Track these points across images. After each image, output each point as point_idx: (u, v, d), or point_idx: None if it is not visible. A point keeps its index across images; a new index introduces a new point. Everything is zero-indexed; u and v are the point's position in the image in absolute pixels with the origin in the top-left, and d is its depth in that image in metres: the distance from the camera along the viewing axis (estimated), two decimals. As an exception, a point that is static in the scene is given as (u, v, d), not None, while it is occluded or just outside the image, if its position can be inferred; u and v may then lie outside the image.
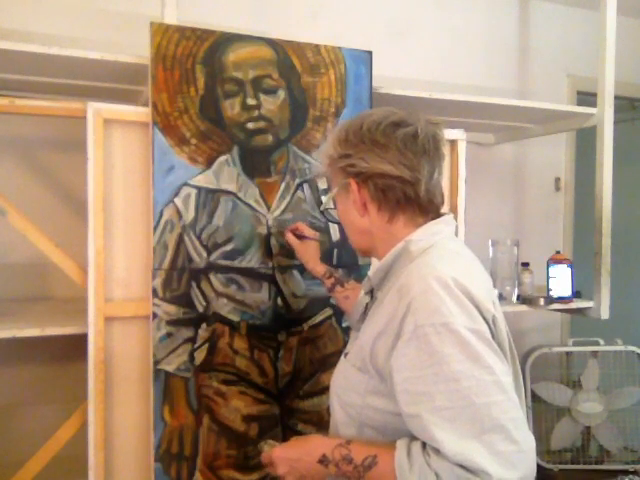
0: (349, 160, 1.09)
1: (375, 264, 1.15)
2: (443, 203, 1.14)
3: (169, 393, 1.65)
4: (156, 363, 1.63)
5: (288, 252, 1.76)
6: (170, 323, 1.65)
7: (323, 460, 1.03)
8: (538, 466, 2.94)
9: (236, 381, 1.72)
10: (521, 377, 1.10)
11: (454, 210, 2.07)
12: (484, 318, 0.97)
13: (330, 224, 1.83)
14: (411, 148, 1.06)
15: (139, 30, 1.74)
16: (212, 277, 1.69)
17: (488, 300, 1.00)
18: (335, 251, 1.84)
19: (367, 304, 1.17)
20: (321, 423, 1.80)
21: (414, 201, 1.07)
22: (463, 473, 0.88)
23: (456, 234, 1.14)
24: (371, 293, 1.17)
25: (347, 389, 1.10)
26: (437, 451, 0.91)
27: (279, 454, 1.11)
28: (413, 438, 0.97)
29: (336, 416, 1.13)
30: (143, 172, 1.67)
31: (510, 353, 1.05)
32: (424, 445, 0.94)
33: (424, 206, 1.09)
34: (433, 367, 0.92)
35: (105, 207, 1.63)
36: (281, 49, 1.77)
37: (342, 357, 1.17)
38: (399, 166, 1.05)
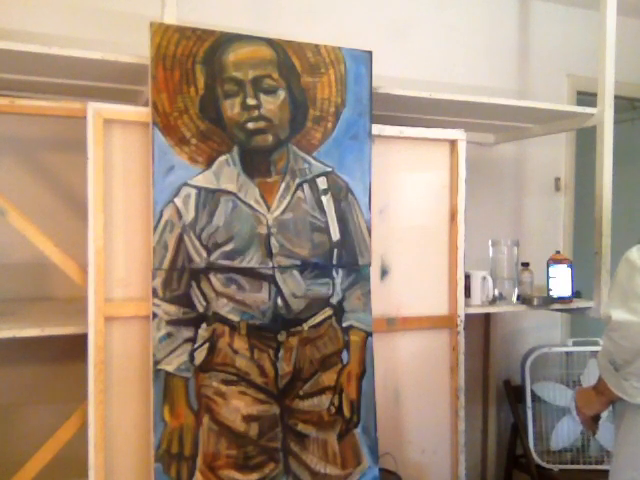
0: None
1: None
2: None
3: (169, 393, 1.65)
4: (156, 363, 1.64)
5: (288, 252, 1.76)
6: (170, 323, 1.66)
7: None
8: (538, 466, 2.93)
9: (236, 381, 1.72)
10: None
11: (454, 210, 2.07)
12: None
13: (330, 224, 1.83)
14: None
15: (139, 30, 1.74)
16: (212, 277, 1.70)
17: None
18: (335, 251, 1.84)
19: None
20: (321, 423, 1.80)
21: None
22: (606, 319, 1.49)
23: None
24: None
25: None
26: None
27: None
28: None
29: None
30: (143, 172, 1.67)
31: None
32: None
33: None
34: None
35: (105, 207, 1.64)
36: (281, 49, 1.77)
37: None
38: None
